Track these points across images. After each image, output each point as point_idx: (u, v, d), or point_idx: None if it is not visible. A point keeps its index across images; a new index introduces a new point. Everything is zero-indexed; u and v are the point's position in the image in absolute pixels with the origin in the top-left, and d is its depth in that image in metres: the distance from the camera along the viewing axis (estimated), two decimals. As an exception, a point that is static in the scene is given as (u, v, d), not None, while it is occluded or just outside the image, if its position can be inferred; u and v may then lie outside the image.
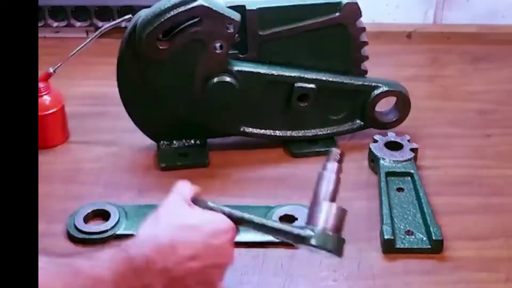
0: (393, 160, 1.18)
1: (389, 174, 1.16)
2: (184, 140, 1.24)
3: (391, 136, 1.23)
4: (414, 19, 1.61)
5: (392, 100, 1.28)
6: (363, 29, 1.19)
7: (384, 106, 1.28)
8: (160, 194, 0.94)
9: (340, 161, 0.90)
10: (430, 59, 1.55)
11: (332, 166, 0.90)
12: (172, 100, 1.19)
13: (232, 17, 1.11)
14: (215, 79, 1.16)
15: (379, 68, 1.26)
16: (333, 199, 0.88)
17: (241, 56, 1.19)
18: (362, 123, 1.27)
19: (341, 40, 1.19)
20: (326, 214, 0.86)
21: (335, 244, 0.85)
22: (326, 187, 0.89)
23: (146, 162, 1.23)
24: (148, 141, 1.26)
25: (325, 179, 0.89)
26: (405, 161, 1.18)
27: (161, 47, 1.12)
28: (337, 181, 0.90)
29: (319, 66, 1.21)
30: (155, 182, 1.19)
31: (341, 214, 0.87)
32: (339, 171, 0.90)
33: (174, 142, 1.24)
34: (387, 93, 1.25)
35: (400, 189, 1.13)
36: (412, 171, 1.16)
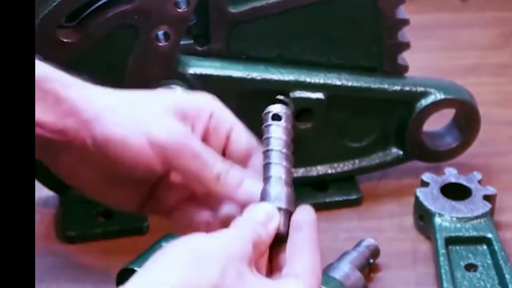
0: (457, 217, 0.99)
1: (452, 241, 0.98)
2: None
3: (451, 174, 1.04)
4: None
5: (449, 114, 1.09)
6: (400, -2, 1.01)
7: (436, 124, 1.09)
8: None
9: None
10: (501, 35, 1.37)
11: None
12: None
13: (184, -15, 0.98)
14: (158, 90, 1.03)
15: (418, 55, 1.08)
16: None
17: (200, 49, 1.00)
18: (400, 152, 1.08)
19: (364, 17, 1.02)
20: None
21: None
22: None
23: (40, 229, 1.02)
24: (45, 193, 1.05)
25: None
26: (476, 217, 1.00)
27: (65, 40, 0.94)
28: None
29: (328, 63, 1.04)
30: (58, 265, 0.98)
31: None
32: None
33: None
34: (442, 103, 1.06)
35: (471, 267, 0.95)
36: (489, 235, 0.97)
